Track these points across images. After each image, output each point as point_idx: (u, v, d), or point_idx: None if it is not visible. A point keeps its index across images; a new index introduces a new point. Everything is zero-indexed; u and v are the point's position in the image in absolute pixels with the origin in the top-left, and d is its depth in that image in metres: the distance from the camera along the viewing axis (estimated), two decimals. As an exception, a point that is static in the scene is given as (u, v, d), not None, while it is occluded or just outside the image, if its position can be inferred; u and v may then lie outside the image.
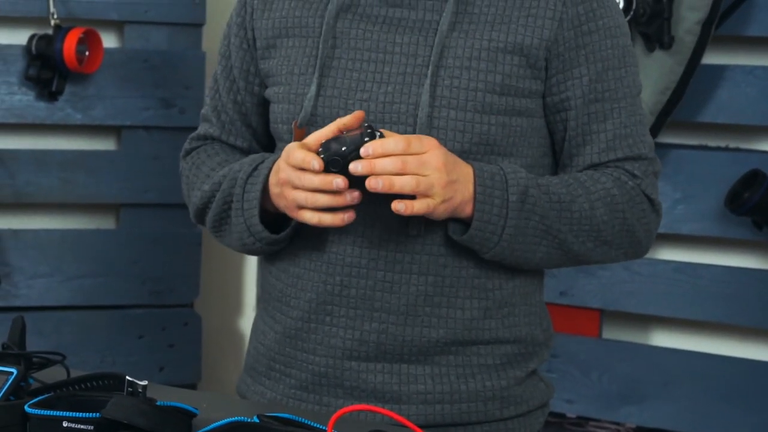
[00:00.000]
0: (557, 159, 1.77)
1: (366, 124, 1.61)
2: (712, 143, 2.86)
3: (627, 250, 1.73)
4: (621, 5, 2.60)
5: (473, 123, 1.69)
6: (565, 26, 1.71)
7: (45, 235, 2.89)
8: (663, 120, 2.74)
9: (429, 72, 1.68)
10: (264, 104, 1.82)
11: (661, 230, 1.85)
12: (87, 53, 2.82)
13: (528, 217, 1.65)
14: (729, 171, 2.75)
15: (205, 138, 1.85)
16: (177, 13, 2.91)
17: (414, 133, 1.67)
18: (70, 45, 2.76)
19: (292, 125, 1.71)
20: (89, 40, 2.82)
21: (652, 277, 2.86)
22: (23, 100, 2.84)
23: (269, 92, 1.78)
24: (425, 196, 1.58)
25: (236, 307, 3.19)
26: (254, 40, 1.80)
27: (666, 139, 2.84)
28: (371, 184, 1.56)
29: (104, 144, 2.96)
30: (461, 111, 1.68)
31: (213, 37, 3.02)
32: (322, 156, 1.57)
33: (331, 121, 1.66)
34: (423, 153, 1.59)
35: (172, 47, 2.92)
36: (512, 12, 1.71)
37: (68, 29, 2.78)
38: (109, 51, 2.87)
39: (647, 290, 2.86)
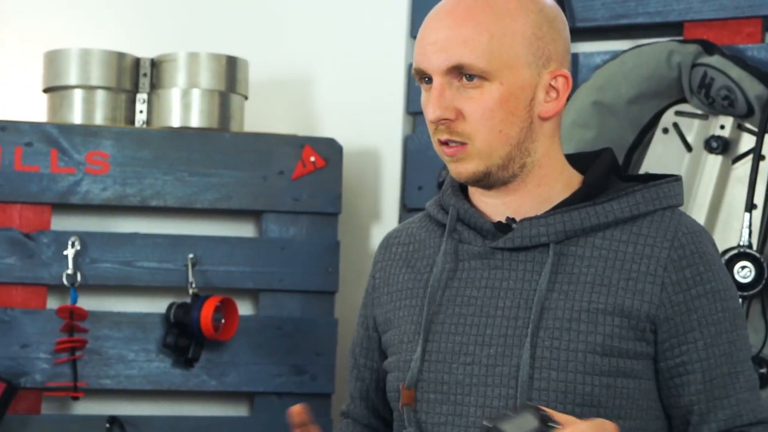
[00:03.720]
0: (672, 423, 1.75)
1: (533, 405, 1.56)
2: None
3: None
4: (752, 275, 2.59)
5: (575, 384, 1.69)
6: (671, 290, 1.72)
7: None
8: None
9: (529, 333, 1.70)
10: (384, 380, 1.87)
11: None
12: (223, 321, 2.90)
13: None
14: None
15: (343, 413, 1.89)
16: (310, 281, 2.98)
17: (516, 394, 1.69)
18: (206, 313, 2.84)
19: (400, 386, 1.76)
20: (225, 309, 2.90)
21: None
22: (160, 367, 2.91)
23: (386, 363, 1.84)
24: None
25: None
26: (374, 318, 1.87)
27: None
28: None
29: (237, 410, 2.99)
30: (562, 372, 1.69)
31: (345, 305, 3.08)
32: None
33: (436, 385, 1.71)
34: None
35: (305, 315, 2.98)
36: (612, 274, 1.73)
37: (205, 298, 2.87)
38: (244, 318, 2.94)
39: None
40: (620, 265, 1.72)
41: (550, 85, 1.77)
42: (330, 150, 3.00)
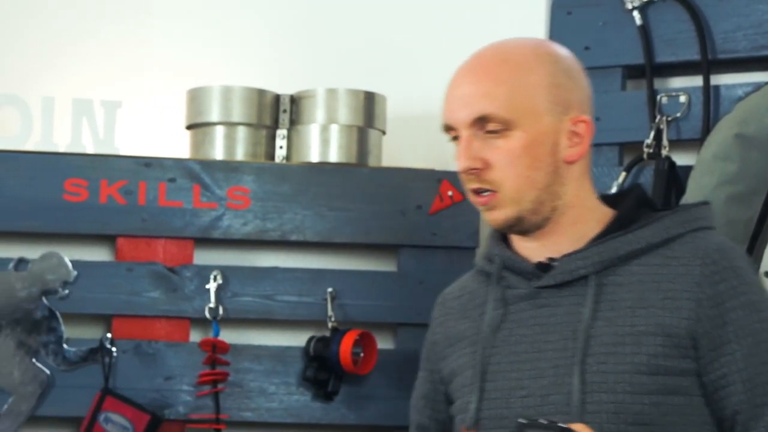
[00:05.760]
0: None
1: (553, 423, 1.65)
2: None
3: None
4: None
5: (625, 404, 1.75)
6: (706, 305, 1.79)
7: None
8: None
9: (577, 360, 1.77)
10: (450, 429, 1.97)
11: None
12: (362, 355, 2.92)
13: None
14: None
15: None
16: (448, 315, 2.98)
17: (570, 420, 1.73)
18: (346, 347, 2.86)
19: (461, 429, 1.85)
20: (364, 342, 2.92)
21: None
22: (300, 401, 2.94)
23: (452, 408, 1.95)
24: None
25: None
26: (439, 371, 1.99)
27: None
28: None
29: (376, 445, 3.01)
30: (612, 393, 1.75)
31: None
32: None
33: (496, 421, 1.79)
34: None
35: (443, 349, 2.98)
36: (650, 295, 1.79)
37: (344, 332, 2.89)
38: (383, 352, 2.96)
39: None
40: (656, 286, 1.80)
41: (572, 131, 1.88)
42: (467, 184, 3.01)
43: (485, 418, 1.84)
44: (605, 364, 1.77)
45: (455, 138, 1.92)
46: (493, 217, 1.90)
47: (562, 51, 1.93)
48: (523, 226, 1.89)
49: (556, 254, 1.89)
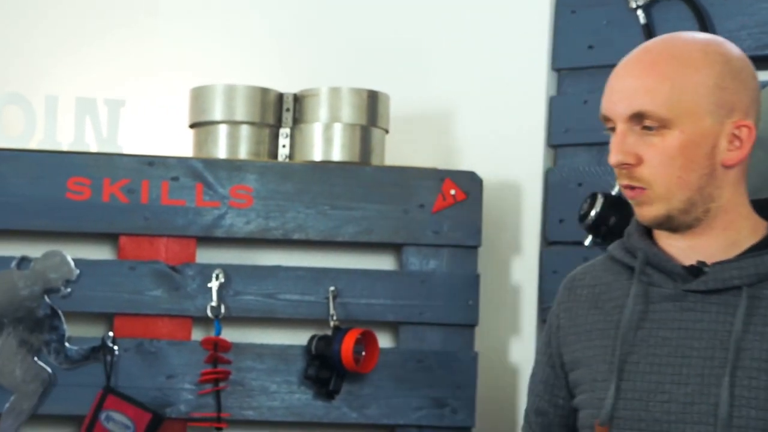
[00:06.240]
0: None
1: None
2: None
3: None
4: None
5: None
6: None
7: None
8: None
9: (727, 372, 1.74)
10: (568, 416, 1.96)
11: None
12: (363, 353, 2.91)
13: None
14: None
15: None
16: (450, 314, 2.98)
17: (715, 431, 1.73)
18: (347, 346, 2.86)
19: (594, 423, 1.82)
20: (366, 341, 2.92)
21: None
22: (302, 399, 2.94)
23: (576, 401, 1.92)
24: None
25: None
26: (561, 356, 1.94)
27: None
28: None
29: (377, 442, 3.01)
30: (762, 411, 1.73)
31: (485, 338, 3.08)
32: None
33: (633, 422, 1.77)
34: None
35: (445, 348, 2.98)
36: None
37: (346, 330, 2.89)
38: (385, 351, 2.95)
39: None
40: None
41: (734, 134, 1.83)
42: (470, 183, 3.00)
43: (620, 417, 1.81)
44: (756, 380, 1.75)
45: (611, 129, 1.88)
46: (641, 213, 1.86)
47: (733, 51, 1.88)
48: (672, 225, 1.85)
49: (704, 257, 1.86)
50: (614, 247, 1.97)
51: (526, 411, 2.08)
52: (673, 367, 1.80)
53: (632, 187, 1.85)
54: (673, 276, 1.86)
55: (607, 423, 1.80)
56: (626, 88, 1.83)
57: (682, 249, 1.88)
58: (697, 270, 1.85)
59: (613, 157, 1.84)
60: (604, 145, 3.05)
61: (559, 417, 1.99)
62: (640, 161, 1.82)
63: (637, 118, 1.82)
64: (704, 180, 1.83)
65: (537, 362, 2.05)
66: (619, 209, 2.94)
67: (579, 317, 1.94)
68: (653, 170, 1.82)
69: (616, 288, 1.92)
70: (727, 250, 1.85)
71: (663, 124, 1.81)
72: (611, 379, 1.83)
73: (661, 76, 1.81)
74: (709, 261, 1.85)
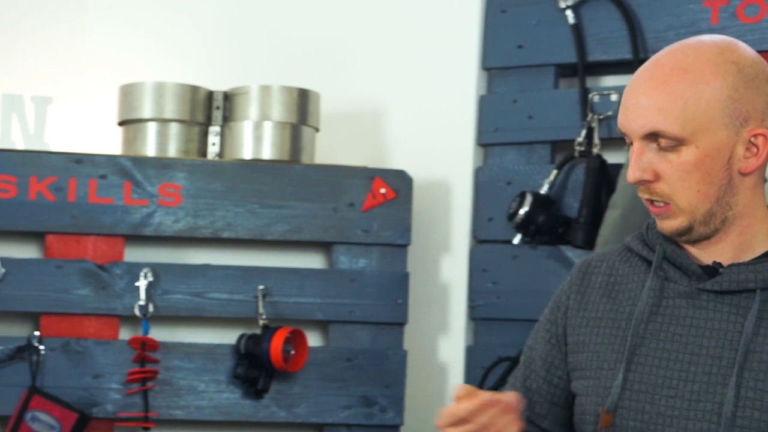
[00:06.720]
0: None
1: None
2: None
3: None
4: None
5: None
6: None
7: None
8: None
9: (734, 372, 1.77)
10: (560, 396, 1.98)
11: None
12: (293, 352, 2.91)
13: None
14: None
15: None
16: (380, 313, 2.98)
17: (718, 430, 1.75)
18: (276, 345, 2.85)
19: (600, 411, 1.85)
20: (295, 340, 2.91)
21: None
22: (230, 398, 2.93)
23: (576, 385, 1.94)
24: None
25: None
26: (564, 336, 1.97)
27: None
28: None
29: (306, 441, 3.00)
30: (765, 413, 1.75)
31: (415, 336, 3.08)
32: None
33: (637, 414, 1.81)
34: None
35: (375, 346, 2.98)
36: None
37: (276, 329, 2.88)
38: (314, 350, 2.95)
39: None
40: None
41: (750, 141, 1.84)
42: (400, 182, 3.01)
43: (624, 407, 1.84)
44: (763, 382, 1.77)
45: (630, 143, 1.89)
46: (663, 226, 1.88)
47: (747, 57, 1.85)
48: (691, 236, 1.87)
49: (719, 258, 1.88)
50: (632, 240, 1.99)
51: (514, 376, 2.08)
52: (681, 364, 1.83)
53: (655, 203, 1.87)
54: (689, 273, 1.89)
55: (612, 412, 1.83)
56: (639, 107, 1.84)
57: (698, 249, 1.91)
58: (712, 270, 1.88)
59: (631, 174, 1.85)
60: (534, 144, 3.09)
61: (550, 395, 2.00)
62: (658, 177, 1.84)
63: (652, 136, 1.84)
64: (723, 190, 1.84)
65: (537, 338, 2.05)
66: (547, 208, 2.96)
67: (590, 303, 1.97)
68: (672, 186, 1.84)
69: (631, 280, 1.95)
70: (739, 252, 1.88)
71: (678, 142, 1.82)
72: (619, 368, 1.86)
73: (673, 95, 1.81)
74: (724, 263, 1.88)
